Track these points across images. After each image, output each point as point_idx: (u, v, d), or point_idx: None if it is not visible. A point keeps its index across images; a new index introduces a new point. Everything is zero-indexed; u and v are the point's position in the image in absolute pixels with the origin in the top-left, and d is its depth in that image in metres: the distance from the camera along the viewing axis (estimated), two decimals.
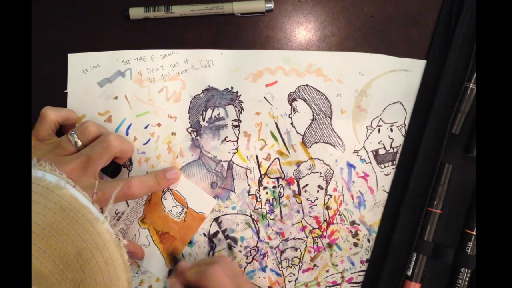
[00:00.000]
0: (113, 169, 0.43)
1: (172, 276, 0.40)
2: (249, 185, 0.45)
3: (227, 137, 0.45)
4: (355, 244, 0.45)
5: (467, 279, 0.42)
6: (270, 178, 0.45)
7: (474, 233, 0.42)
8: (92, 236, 0.26)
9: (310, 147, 0.45)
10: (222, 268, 0.38)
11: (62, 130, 0.44)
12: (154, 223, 0.44)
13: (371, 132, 0.45)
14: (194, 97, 0.45)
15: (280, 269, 0.45)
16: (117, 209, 0.44)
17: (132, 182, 0.40)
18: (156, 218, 0.44)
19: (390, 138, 0.45)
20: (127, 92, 0.45)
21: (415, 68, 0.45)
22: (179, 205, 0.44)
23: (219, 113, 0.45)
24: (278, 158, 0.45)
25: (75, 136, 0.40)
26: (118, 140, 0.40)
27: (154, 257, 0.44)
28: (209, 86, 0.45)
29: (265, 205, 0.45)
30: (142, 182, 0.41)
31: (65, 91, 0.45)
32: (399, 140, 0.45)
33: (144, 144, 0.45)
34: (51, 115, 0.41)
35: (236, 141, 0.45)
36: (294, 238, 0.45)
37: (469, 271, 0.42)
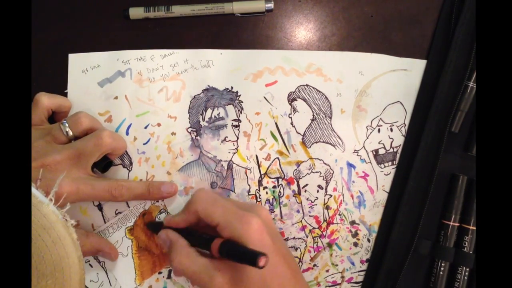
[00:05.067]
0: (105, 165, 0.43)
1: (161, 231, 0.40)
2: (249, 185, 0.45)
3: (227, 137, 0.45)
4: (355, 244, 0.45)
5: (465, 278, 0.42)
6: (270, 178, 0.45)
7: (470, 227, 0.42)
8: (37, 218, 0.28)
9: (310, 147, 0.45)
10: (205, 190, 0.39)
11: (54, 118, 0.44)
12: (140, 237, 0.44)
13: (371, 132, 0.45)
14: (194, 97, 0.45)
15: None
16: (117, 209, 0.44)
17: (122, 185, 0.41)
18: (143, 233, 0.44)
19: (390, 138, 0.45)
20: (127, 92, 0.45)
21: (415, 68, 0.45)
22: None
23: (219, 113, 0.45)
24: (278, 158, 0.45)
25: (67, 125, 0.40)
26: (111, 138, 0.40)
27: (127, 269, 0.44)
28: (209, 86, 0.45)
29: (265, 205, 0.45)
30: (130, 188, 0.41)
31: (65, 91, 0.45)
32: (399, 140, 0.45)
33: (144, 144, 0.45)
34: (44, 101, 0.42)
35: (236, 141, 0.45)
36: (294, 238, 0.45)
37: (467, 269, 0.42)
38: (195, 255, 0.36)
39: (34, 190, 0.29)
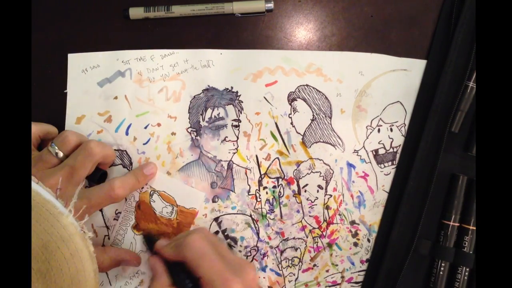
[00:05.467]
0: (100, 176, 0.43)
1: (151, 256, 0.40)
2: (249, 185, 0.45)
3: (227, 137, 0.45)
4: (355, 244, 0.45)
5: (465, 278, 0.42)
6: (270, 178, 0.45)
7: (467, 226, 0.42)
8: (57, 229, 0.28)
9: (310, 147, 0.45)
10: (199, 236, 0.37)
11: (42, 145, 0.44)
12: (148, 227, 0.44)
13: (371, 132, 0.45)
14: (194, 97, 0.45)
15: (280, 269, 0.45)
16: (117, 209, 0.44)
17: (115, 184, 0.40)
18: (149, 222, 0.44)
19: (390, 138, 0.45)
20: (127, 92, 0.45)
21: (415, 68, 0.45)
22: (169, 204, 0.44)
23: (219, 113, 0.45)
24: (278, 158, 0.45)
25: (56, 147, 0.40)
26: (99, 146, 0.40)
27: None
28: (209, 86, 0.45)
29: (265, 205, 0.45)
30: (124, 182, 0.41)
31: (65, 91, 0.45)
32: (399, 140, 0.45)
33: (144, 144, 0.45)
34: (32, 129, 0.41)
35: (236, 141, 0.45)
36: (294, 238, 0.45)
37: (467, 269, 0.42)
38: None
39: (54, 200, 0.28)
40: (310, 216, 0.45)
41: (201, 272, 0.35)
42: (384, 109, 0.45)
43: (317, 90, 0.45)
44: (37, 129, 0.42)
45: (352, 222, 0.45)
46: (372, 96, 0.45)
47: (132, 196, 0.44)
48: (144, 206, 0.44)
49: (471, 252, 0.42)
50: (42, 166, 0.40)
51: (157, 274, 0.38)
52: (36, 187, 0.29)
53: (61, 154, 0.40)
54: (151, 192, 0.44)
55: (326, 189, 0.45)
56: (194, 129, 0.45)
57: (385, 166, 0.45)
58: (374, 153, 0.45)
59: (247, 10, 0.45)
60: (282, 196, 0.45)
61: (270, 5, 0.45)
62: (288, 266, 0.45)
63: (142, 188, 0.44)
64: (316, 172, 0.45)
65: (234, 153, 0.45)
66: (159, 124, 0.45)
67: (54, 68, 0.45)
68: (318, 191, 0.45)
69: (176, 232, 0.44)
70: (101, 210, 0.44)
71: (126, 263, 0.43)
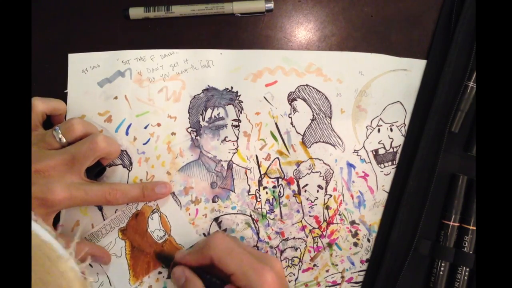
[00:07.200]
0: (98, 171, 0.43)
1: (175, 268, 0.40)
2: (249, 185, 0.45)
3: (226, 137, 0.45)
4: (355, 244, 0.45)
5: (465, 278, 0.42)
6: (270, 178, 0.45)
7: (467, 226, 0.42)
8: (55, 277, 0.25)
9: (310, 147, 0.45)
10: (220, 235, 0.38)
11: (51, 120, 0.44)
12: (133, 238, 0.44)
13: (371, 132, 0.45)
14: (194, 97, 0.45)
15: None
16: (117, 209, 0.44)
17: (117, 189, 0.40)
18: (136, 234, 0.44)
19: (390, 138, 0.45)
20: (127, 92, 0.45)
21: (415, 68, 0.45)
22: (163, 230, 0.44)
23: (219, 113, 0.45)
24: (278, 158, 0.45)
25: (60, 132, 0.40)
26: (105, 142, 0.40)
27: (121, 270, 0.44)
28: (209, 86, 0.45)
29: (265, 205, 0.45)
30: (126, 190, 0.41)
31: (65, 91, 0.45)
32: (399, 140, 0.45)
33: (144, 144, 0.45)
34: (39, 105, 0.41)
35: (236, 141, 0.45)
36: (294, 238, 0.45)
37: (467, 269, 0.42)
38: None
39: (53, 242, 0.26)
40: (310, 216, 0.45)
41: (232, 268, 0.36)
42: (384, 109, 0.45)
43: (317, 90, 0.45)
44: (44, 106, 0.41)
45: (352, 222, 0.45)
46: (372, 96, 0.45)
47: (136, 204, 0.44)
48: (141, 218, 0.44)
49: (471, 252, 0.42)
50: (43, 146, 0.39)
51: (189, 280, 0.38)
52: (34, 227, 0.26)
53: (64, 140, 0.40)
54: (155, 210, 0.44)
55: (326, 189, 0.45)
56: (194, 129, 0.45)
57: (385, 166, 0.45)
58: (374, 153, 0.45)
59: (247, 10, 0.45)
60: (282, 196, 0.45)
61: (270, 5, 0.45)
62: (288, 266, 0.45)
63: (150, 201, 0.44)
64: (316, 172, 0.45)
65: (234, 153, 0.45)
66: (159, 124, 0.45)
67: (54, 68, 0.45)
68: (318, 191, 0.45)
69: (154, 256, 0.44)
70: (101, 210, 0.44)
71: (95, 258, 0.42)
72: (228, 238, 0.38)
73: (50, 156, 0.38)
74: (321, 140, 0.45)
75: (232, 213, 0.45)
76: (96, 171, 0.42)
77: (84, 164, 0.39)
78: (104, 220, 0.44)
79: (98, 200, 0.40)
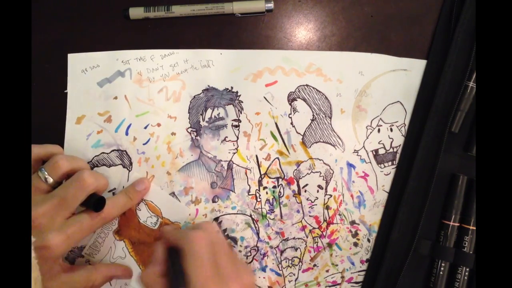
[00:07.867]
0: (95, 202, 0.39)
1: (158, 241, 0.40)
2: (249, 185, 0.45)
3: (227, 137, 0.45)
4: (355, 244, 0.45)
5: (465, 278, 0.42)
6: (270, 178, 0.45)
7: (467, 226, 0.42)
8: None
9: (310, 147, 0.45)
10: (203, 235, 0.37)
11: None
12: (130, 234, 0.44)
13: (371, 132, 0.45)
14: (194, 97, 0.45)
15: (280, 269, 0.45)
16: None
17: (106, 205, 0.40)
18: (131, 230, 0.44)
19: (390, 138, 0.45)
20: (127, 92, 0.45)
21: (415, 68, 0.45)
22: (154, 215, 0.44)
23: (219, 113, 0.45)
24: (278, 158, 0.45)
25: (45, 172, 0.38)
26: (93, 177, 0.39)
27: (132, 268, 0.44)
28: (209, 86, 0.45)
29: (265, 205, 0.45)
30: (114, 202, 0.41)
31: (65, 91, 0.45)
32: (399, 140, 0.45)
33: (144, 144, 0.45)
34: (34, 151, 0.40)
35: (236, 141, 0.45)
36: (294, 238, 0.45)
37: (467, 269, 0.42)
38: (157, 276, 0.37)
39: None
40: (310, 216, 0.45)
41: (188, 270, 0.35)
42: (384, 109, 0.45)
43: (317, 90, 0.45)
44: (39, 151, 0.40)
45: (352, 222, 0.45)
46: (372, 96, 0.45)
47: None
48: (130, 213, 0.44)
49: (471, 252, 0.42)
50: (32, 191, 0.38)
51: (155, 260, 0.38)
52: None
53: (50, 180, 0.38)
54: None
55: (326, 189, 0.45)
56: (194, 129, 0.45)
57: (385, 166, 0.45)
58: (374, 153, 0.45)
59: (247, 10, 0.45)
60: (282, 196, 0.45)
61: (270, 5, 0.45)
62: (288, 266, 0.45)
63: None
64: (316, 172, 0.45)
65: (234, 153, 0.45)
66: (159, 124, 0.45)
67: (54, 68, 0.45)
68: (318, 191, 0.45)
69: (157, 239, 0.44)
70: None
71: (118, 277, 0.43)
72: (206, 242, 0.36)
73: (38, 204, 0.37)
74: (321, 140, 0.45)
75: (232, 213, 0.45)
76: (92, 203, 0.39)
77: (74, 205, 0.38)
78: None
79: (95, 224, 0.39)
